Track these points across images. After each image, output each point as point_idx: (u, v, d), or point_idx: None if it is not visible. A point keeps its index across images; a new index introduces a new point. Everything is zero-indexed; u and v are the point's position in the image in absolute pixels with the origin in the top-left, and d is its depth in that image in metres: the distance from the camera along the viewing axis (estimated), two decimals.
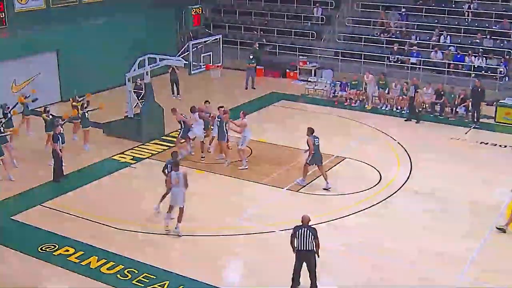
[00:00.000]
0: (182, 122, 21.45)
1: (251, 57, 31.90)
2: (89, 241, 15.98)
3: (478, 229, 16.78)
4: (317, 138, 19.10)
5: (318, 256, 13.49)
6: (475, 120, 26.00)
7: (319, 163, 19.23)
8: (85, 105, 22.73)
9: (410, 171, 20.68)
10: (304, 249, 13.38)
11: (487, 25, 31.69)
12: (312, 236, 13.31)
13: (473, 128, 25.47)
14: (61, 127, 20.32)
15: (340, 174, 20.47)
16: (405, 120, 26.09)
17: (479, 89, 26.07)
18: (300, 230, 13.41)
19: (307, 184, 19.53)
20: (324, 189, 19.18)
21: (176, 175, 16.08)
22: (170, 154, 17.18)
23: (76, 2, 30.37)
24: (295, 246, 13.50)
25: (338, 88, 29.26)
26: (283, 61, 34.21)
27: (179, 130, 21.60)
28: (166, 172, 17.06)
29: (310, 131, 19.15)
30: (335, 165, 21.04)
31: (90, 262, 15.08)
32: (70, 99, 23.60)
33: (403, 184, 19.72)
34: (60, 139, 19.68)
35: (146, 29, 31.58)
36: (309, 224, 13.52)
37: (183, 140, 21.65)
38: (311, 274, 13.58)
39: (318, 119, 25.85)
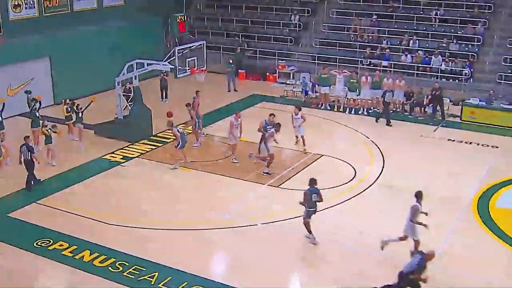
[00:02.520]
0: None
1: (230, 61, 31.86)
2: (82, 236, 15.89)
3: (446, 221, 16.87)
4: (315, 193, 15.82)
5: None
6: (442, 118, 26.36)
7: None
8: (80, 106, 22.88)
9: (383, 167, 20.77)
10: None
11: (452, 30, 31.89)
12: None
13: (441, 126, 25.63)
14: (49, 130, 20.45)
15: (318, 170, 20.48)
16: (376, 121, 26.10)
17: (435, 91, 26.30)
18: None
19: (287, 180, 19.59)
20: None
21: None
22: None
23: (67, 10, 30.10)
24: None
25: (310, 87, 29.18)
26: (263, 65, 34.22)
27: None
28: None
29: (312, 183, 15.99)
30: (312, 162, 21.07)
31: (83, 255, 14.99)
32: (62, 102, 23.50)
33: (376, 179, 19.80)
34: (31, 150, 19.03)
35: (135, 36, 31.40)
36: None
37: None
38: None
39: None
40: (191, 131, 23.00)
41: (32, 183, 18.98)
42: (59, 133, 21.11)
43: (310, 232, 15.70)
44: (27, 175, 18.93)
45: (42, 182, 19.35)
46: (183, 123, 23.38)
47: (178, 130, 21.00)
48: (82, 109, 22.68)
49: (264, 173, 20.09)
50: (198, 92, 23.70)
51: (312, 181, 15.70)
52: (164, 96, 29.19)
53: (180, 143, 20.68)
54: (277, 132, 20.14)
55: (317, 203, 15.63)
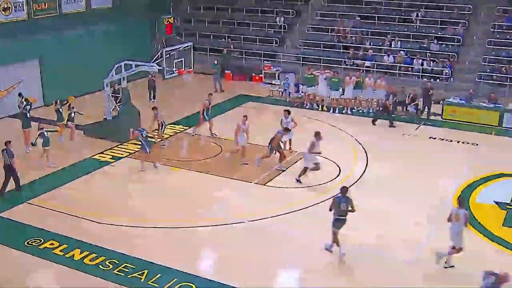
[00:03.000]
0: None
1: (215, 62, 31.99)
2: (73, 235, 15.83)
3: (429, 216, 17.01)
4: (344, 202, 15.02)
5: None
6: (427, 117, 26.50)
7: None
8: (72, 106, 22.97)
9: (366, 165, 20.86)
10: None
11: (433, 31, 32.10)
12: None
13: (423, 124, 25.80)
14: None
15: (300, 168, 20.53)
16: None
17: (425, 89, 26.44)
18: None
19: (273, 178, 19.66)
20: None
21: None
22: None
23: (56, 13, 29.94)
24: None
25: (293, 89, 29.23)
26: (249, 65, 34.25)
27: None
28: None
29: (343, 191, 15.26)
30: (297, 161, 21.11)
31: (73, 254, 14.94)
32: (53, 103, 23.41)
33: (360, 177, 19.89)
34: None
35: (122, 38, 31.35)
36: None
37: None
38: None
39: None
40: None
41: (7, 189, 18.49)
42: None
43: (336, 243, 14.85)
44: (4, 180, 18.48)
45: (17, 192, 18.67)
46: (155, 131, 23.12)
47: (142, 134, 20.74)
48: (74, 110, 22.71)
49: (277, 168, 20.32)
50: (211, 95, 23.43)
51: (343, 189, 14.96)
52: (152, 96, 29.14)
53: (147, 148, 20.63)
54: (319, 141, 19.39)
55: (349, 212, 14.77)
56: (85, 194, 18.71)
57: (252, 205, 17.83)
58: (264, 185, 19.28)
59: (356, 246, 15.31)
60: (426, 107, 26.76)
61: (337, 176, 19.88)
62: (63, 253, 15.00)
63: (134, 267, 14.27)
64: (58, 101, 23.24)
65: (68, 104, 23.41)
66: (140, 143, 20.67)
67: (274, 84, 31.30)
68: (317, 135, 19.27)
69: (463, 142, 23.40)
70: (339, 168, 20.53)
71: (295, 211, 17.30)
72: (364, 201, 18.10)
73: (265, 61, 33.79)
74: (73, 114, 22.68)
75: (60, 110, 22.95)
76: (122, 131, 22.99)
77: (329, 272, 14.40)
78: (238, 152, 21.11)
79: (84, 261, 14.67)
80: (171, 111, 26.04)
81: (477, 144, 23.20)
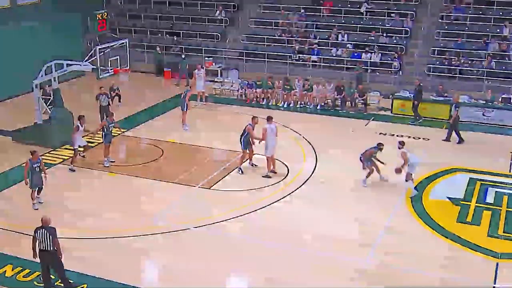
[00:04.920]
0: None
1: (183, 57, 32.95)
2: (3, 250, 15.43)
3: (381, 216, 17.30)
4: None
5: (61, 256, 13.46)
6: (417, 118, 26.07)
7: None
8: None
9: (316, 163, 21.07)
10: (45, 249, 13.34)
11: (380, 23, 32.67)
12: (51, 237, 13.25)
13: (372, 120, 26.22)
14: None
15: (249, 169, 20.59)
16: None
17: (416, 88, 26.12)
18: (39, 231, 13.33)
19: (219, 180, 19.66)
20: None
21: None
22: None
23: None
24: (37, 247, 13.43)
25: (246, 88, 29.47)
26: (189, 62, 34.07)
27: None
28: None
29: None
30: (244, 162, 21.11)
31: (5, 270, 14.58)
32: None
33: (310, 176, 20.08)
34: None
35: (52, 35, 30.79)
36: (49, 226, 13.39)
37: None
38: (58, 273, 13.63)
39: (228, 118, 26.06)
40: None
41: None
42: None
43: None
44: None
45: None
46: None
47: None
48: None
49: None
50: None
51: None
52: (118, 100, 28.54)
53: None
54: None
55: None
56: (15, 205, 18.23)
57: (197, 210, 17.76)
58: (210, 188, 19.24)
59: (305, 248, 15.45)
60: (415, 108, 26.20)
61: (285, 177, 20.00)
62: None
63: (72, 281, 13.99)
64: None
65: None
66: (102, 133, 20.81)
67: (217, 82, 31.31)
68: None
69: (414, 137, 23.89)
70: (287, 167, 20.66)
71: (242, 214, 17.30)
72: (313, 200, 18.37)
73: (206, 58, 33.73)
74: None
75: None
76: (53, 136, 22.60)
77: (283, 280, 14.47)
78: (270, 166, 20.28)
79: (17, 277, 14.33)
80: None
81: (428, 139, 23.74)
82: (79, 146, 20.96)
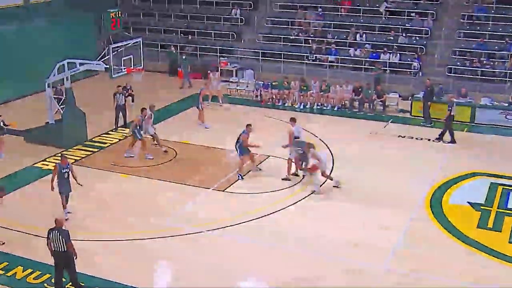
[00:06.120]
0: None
1: (184, 57, 32.78)
2: (14, 251, 15.58)
3: (400, 221, 17.24)
4: None
5: (75, 256, 13.59)
6: (427, 119, 25.92)
7: None
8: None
9: (333, 166, 21.04)
10: (58, 250, 13.45)
11: (400, 23, 32.57)
12: (64, 239, 13.33)
13: (391, 122, 26.15)
14: None
15: (264, 171, 20.63)
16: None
17: (428, 89, 26.05)
18: (52, 233, 13.43)
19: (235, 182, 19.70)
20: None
21: None
22: None
23: None
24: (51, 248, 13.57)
25: (262, 89, 29.50)
26: (204, 62, 34.20)
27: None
28: None
29: None
30: (258, 164, 21.15)
31: (16, 272, 14.70)
32: None
33: (326, 179, 20.04)
34: None
35: (65, 34, 31.06)
36: (62, 227, 13.50)
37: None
38: (70, 274, 13.72)
39: (243, 119, 26.03)
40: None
41: None
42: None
43: None
44: None
45: None
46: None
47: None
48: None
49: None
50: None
51: None
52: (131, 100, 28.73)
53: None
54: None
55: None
56: (27, 206, 18.38)
57: (210, 213, 17.82)
58: (224, 191, 19.29)
59: (322, 253, 15.47)
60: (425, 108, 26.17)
61: (301, 180, 20.01)
62: (3, 272, 14.74)
63: (83, 283, 14.09)
64: None
65: None
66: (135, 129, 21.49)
67: (232, 82, 31.39)
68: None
69: (433, 140, 23.80)
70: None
71: (257, 218, 17.34)
72: (331, 204, 18.35)
73: (221, 57, 33.81)
74: (2, 124, 22.07)
75: None
76: (66, 136, 22.75)
77: (296, 283, 14.48)
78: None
79: (27, 279, 14.44)
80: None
81: (448, 142, 23.62)
82: (150, 135, 22.08)
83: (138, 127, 21.60)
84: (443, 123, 23.93)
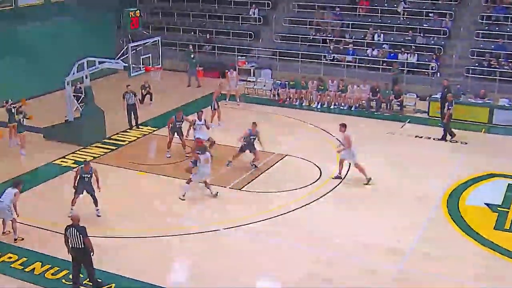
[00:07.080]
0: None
1: (192, 56, 32.46)
2: (32, 247, 15.70)
3: (417, 221, 17.17)
4: None
5: (92, 253, 13.65)
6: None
7: None
8: (21, 110, 22.39)
9: (349, 166, 20.95)
10: (75, 246, 13.49)
11: (418, 23, 32.39)
12: (81, 235, 13.38)
13: (408, 122, 26.01)
14: None
15: (281, 171, 20.62)
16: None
17: (446, 89, 25.71)
18: (69, 230, 13.49)
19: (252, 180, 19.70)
20: None
21: None
22: None
23: (11, 6, 29.66)
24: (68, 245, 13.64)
25: (279, 88, 29.49)
26: (222, 61, 34.22)
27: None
28: None
29: None
30: (276, 163, 21.15)
31: (34, 268, 14.80)
32: (4, 103, 23.12)
33: (343, 179, 20.00)
34: None
35: (85, 33, 31.19)
36: (78, 224, 13.57)
37: None
38: (87, 270, 13.78)
39: (260, 118, 25.99)
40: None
41: None
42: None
43: None
44: None
45: None
46: None
47: None
48: (23, 116, 22.27)
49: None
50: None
51: None
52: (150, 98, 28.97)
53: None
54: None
55: None
56: (45, 202, 18.53)
57: (227, 211, 17.84)
58: (240, 189, 19.30)
59: (338, 253, 15.42)
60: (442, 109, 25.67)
61: (318, 179, 19.97)
62: (22, 267, 14.84)
63: (100, 280, 14.16)
64: (10, 100, 22.86)
65: (19, 106, 22.82)
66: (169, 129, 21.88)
67: (250, 81, 31.40)
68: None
69: (451, 141, 23.65)
70: (320, 170, 20.62)
71: (273, 217, 17.33)
72: (347, 204, 18.31)
73: (239, 57, 33.83)
74: (22, 120, 22.17)
75: (12, 110, 22.61)
76: (85, 134, 22.87)
77: (311, 282, 14.44)
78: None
79: (45, 275, 14.54)
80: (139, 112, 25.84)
81: (466, 143, 23.46)
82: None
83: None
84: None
